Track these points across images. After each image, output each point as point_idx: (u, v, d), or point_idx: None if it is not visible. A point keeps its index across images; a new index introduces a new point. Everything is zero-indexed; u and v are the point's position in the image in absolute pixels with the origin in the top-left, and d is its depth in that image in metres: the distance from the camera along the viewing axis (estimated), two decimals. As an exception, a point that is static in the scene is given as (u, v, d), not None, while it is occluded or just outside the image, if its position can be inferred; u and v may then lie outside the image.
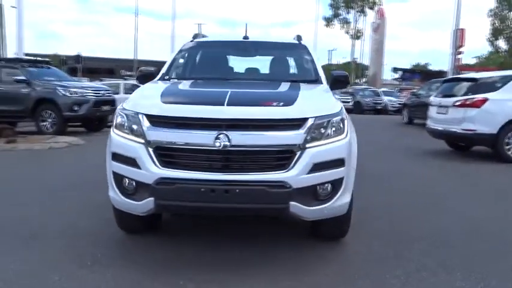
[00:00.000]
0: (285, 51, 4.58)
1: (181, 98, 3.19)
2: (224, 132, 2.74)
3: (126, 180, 2.97)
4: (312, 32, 52.42)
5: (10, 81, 10.82)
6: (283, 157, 2.80)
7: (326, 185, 2.93)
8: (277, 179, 2.75)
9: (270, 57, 4.45)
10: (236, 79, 4.05)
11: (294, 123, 2.84)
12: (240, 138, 2.75)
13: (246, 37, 4.62)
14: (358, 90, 30.55)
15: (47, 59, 15.48)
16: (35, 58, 17.18)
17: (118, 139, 3.01)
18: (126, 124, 3.00)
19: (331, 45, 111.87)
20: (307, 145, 2.83)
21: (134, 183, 2.92)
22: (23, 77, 10.72)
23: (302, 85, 3.62)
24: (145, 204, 2.85)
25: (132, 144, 2.90)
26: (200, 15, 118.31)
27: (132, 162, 2.89)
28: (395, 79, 48.24)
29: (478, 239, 3.66)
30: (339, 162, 2.95)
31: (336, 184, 2.96)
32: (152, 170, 2.80)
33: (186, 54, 4.48)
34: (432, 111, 8.98)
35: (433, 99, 9.27)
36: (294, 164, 2.79)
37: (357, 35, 52.06)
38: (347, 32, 52.53)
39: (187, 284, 2.73)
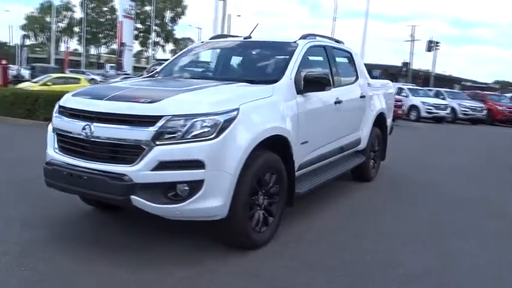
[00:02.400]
0: (272, 50, 4.39)
1: (88, 91, 3.52)
2: (89, 123, 3.02)
3: None
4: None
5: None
6: (131, 151, 2.88)
7: (181, 185, 2.87)
8: (118, 171, 2.86)
9: (257, 57, 4.37)
10: (198, 78, 4.16)
11: (147, 120, 2.88)
12: (100, 130, 2.98)
13: (248, 37, 4.63)
14: None
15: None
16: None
17: (49, 127, 3.59)
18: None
19: None
20: (158, 142, 2.83)
21: None
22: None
23: (226, 85, 3.57)
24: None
25: (49, 129, 3.45)
26: (434, 16, 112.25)
27: (46, 144, 3.44)
28: None
29: None
30: (195, 164, 2.85)
31: (193, 186, 2.87)
32: (48, 152, 3.30)
33: (187, 54, 4.77)
34: None
35: None
36: (140, 160, 2.85)
37: None
38: None
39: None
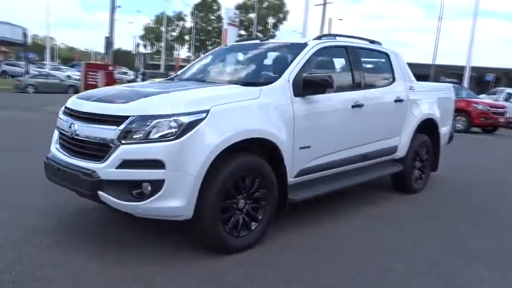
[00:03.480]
0: (281, 52, 4.24)
1: (87, 93, 3.72)
2: (74, 122, 3.25)
3: None
4: None
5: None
6: (102, 149, 3.02)
7: (144, 183, 2.95)
8: (89, 168, 3.02)
9: (264, 59, 4.30)
10: (201, 80, 4.21)
11: (115, 120, 3.00)
12: (80, 128, 3.19)
13: (264, 39, 4.57)
14: None
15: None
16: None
17: None
18: None
19: None
20: (123, 141, 2.94)
21: None
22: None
23: (213, 87, 3.61)
24: None
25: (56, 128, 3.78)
26: None
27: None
28: None
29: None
30: (156, 163, 2.90)
31: (154, 185, 2.92)
32: (51, 148, 3.60)
33: (206, 57, 4.87)
34: None
35: None
36: (107, 157, 2.98)
37: None
38: None
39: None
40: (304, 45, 4.07)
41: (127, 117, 2.98)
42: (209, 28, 65.56)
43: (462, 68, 30.85)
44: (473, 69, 37.94)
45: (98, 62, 27.85)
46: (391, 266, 3.28)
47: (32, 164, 5.10)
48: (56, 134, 3.68)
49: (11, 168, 5.66)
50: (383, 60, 5.03)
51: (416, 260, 3.44)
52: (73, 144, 3.28)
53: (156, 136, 2.92)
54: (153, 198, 2.92)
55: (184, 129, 2.94)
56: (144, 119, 2.95)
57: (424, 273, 3.20)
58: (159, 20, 62.84)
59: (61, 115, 3.60)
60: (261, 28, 59.14)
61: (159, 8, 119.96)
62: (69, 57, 68.41)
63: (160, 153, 2.89)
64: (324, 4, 40.38)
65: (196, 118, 2.99)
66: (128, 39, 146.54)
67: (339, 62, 4.44)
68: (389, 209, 4.78)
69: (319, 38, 4.26)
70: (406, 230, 4.15)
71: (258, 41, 4.63)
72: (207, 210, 3.06)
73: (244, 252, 3.34)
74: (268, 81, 3.68)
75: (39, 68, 39.15)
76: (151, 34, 65.84)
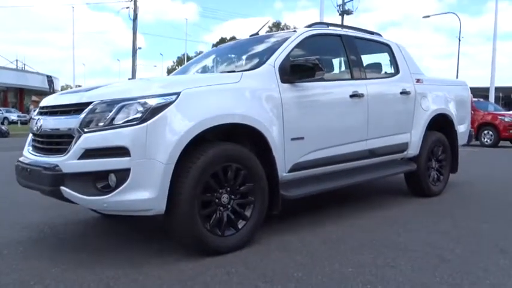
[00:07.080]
0: (270, 42, 3.95)
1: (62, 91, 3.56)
2: (40, 117, 3.03)
3: None
4: None
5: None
6: (65, 141, 2.77)
7: (110, 174, 2.65)
8: (51, 162, 2.76)
9: (254, 50, 4.06)
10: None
11: (77, 108, 2.77)
12: (45, 122, 2.97)
13: (254, 34, 4.35)
14: None
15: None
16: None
17: None
18: None
19: None
20: (85, 129, 2.68)
21: None
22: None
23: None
24: None
25: None
26: None
27: None
28: None
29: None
30: (119, 151, 2.61)
31: (119, 175, 2.62)
32: (23, 151, 3.38)
33: (200, 56, 4.71)
34: None
35: None
36: (70, 149, 2.71)
37: None
38: None
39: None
40: (293, 32, 3.81)
41: (89, 103, 2.73)
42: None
43: (487, 90, 30.01)
44: (500, 89, 36.53)
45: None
46: (396, 262, 2.82)
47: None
48: (29, 137, 3.47)
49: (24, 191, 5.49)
50: (384, 51, 4.70)
51: (425, 257, 2.96)
52: (39, 142, 3.06)
53: (120, 122, 2.66)
54: (118, 190, 2.61)
55: (152, 112, 2.66)
56: (108, 103, 2.70)
57: (433, 269, 2.73)
58: (181, 61, 64.53)
59: (34, 116, 3.40)
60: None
61: (181, 50, 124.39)
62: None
63: (123, 139, 2.61)
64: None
65: (165, 101, 2.71)
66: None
67: (334, 51, 4.15)
68: (400, 211, 4.28)
69: (309, 26, 4.00)
70: (416, 228, 3.66)
71: (248, 37, 4.41)
72: (182, 204, 2.72)
73: (230, 254, 2.96)
74: (253, 68, 3.40)
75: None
76: (174, 75, 67.68)
